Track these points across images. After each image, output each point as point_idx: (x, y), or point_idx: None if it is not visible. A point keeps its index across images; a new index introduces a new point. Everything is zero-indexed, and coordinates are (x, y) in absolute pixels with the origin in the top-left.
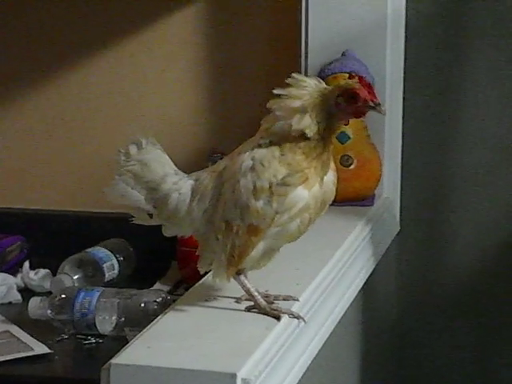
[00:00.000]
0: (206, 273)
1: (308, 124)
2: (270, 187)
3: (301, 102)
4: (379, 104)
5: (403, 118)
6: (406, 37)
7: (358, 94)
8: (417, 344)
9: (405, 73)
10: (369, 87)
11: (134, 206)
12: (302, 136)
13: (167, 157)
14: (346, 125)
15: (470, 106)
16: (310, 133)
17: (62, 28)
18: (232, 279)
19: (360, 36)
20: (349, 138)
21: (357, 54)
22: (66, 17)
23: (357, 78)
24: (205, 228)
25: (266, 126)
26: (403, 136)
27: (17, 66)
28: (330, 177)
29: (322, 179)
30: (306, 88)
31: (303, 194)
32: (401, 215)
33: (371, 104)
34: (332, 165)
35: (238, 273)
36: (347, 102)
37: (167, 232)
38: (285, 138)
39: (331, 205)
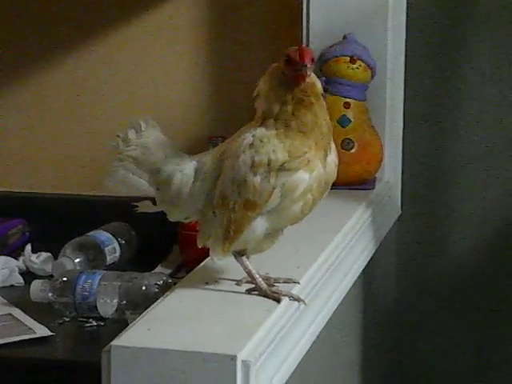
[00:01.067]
0: (207, 256)
1: (266, 106)
2: (269, 163)
3: (257, 87)
4: (305, 65)
5: (404, 101)
6: (407, 20)
7: (289, 55)
8: (416, 327)
9: (406, 56)
10: (303, 51)
11: (136, 192)
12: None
13: (167, 138)
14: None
15: (472, 90)
16: (274, 112)
17: (65, 12)
18: (235, 260)
19: (361, 19)
20: (350, 121)
21: (358, 37)
22: (66, 1)
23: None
24: (205, 205)
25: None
26: (404, 119)
27: (17, 49)
28: (332, 157)
29: (324, 160)
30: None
31: (305, 177)
32: (402, 199)
33: (298, 65)
34: (333, 145)
35: (241, 254)
36: (287, 68)
37: (172, 217)
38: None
39: (332, 188)
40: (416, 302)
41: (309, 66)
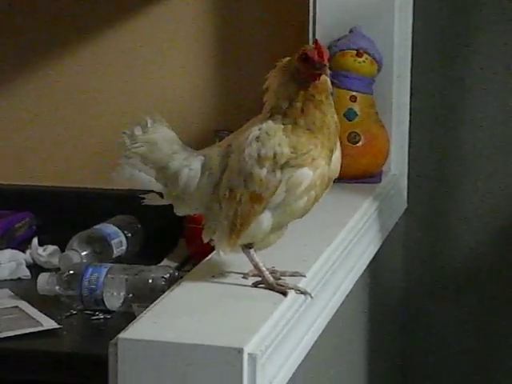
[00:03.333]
0: (214, 248)
1: (275, 100)
2: (275, 156)
3: (267, 81)
4: (325, 65)
5: (411, 95)
6: (413, 13)
7: (307, 54)
8: (423, 320)
9: (413, 50)
10: (320, 49)
11: (143, 187)
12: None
13: (174, 134)
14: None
15: (478, 83)
16: (283, 107)
17: (69, 7)
18: (241, 253)
19: (368, 13)
20: (356, 115)
21: (364, 30)
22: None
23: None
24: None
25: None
26: (411, 113)
27: (22, 44)
28: (336, 154)
29: (329, 158)
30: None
31: (309, 174)
32: (408, 192)
33: (317, 65)
34: (337, 142)
35: (249, 247)
36: (303, 65)
37: (179, 211)
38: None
39: (338, 181)
40: (422, 295)
41: (326, 63)
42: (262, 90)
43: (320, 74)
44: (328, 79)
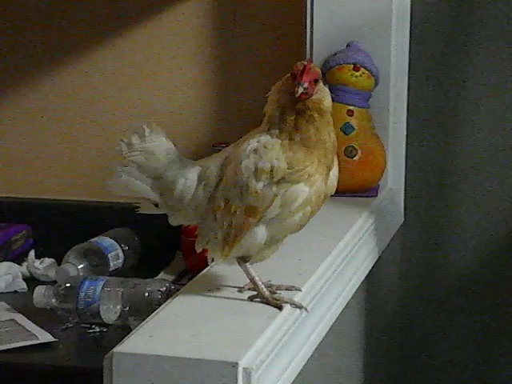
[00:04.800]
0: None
1: (270, 111)
2: (272, 170)
3: (268, 93)
4: (299, 83)
5: (408, 109)
6: (410, 28)
7: (292, 69)
8: (420, 334)
9: (409, 64)
10: (304, 70)
11: (139, 196)
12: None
13: (171, 143)
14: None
15: (475, 98)
16: (276, 118)
17: (71, 16)
18: (236, 267)
19: (365, 27)
20: (353, 128)
21: (362, 45)
22: (72, 6)
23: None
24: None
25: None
26: (408, 127)
27: (21, 53)
28: (334, 171)
29: (326, 175)
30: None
31: (304, 190)
32: (405, 206)
33: (295, 82)
34: (335, 159)
35: (245, 261)
36: (290, 81)
37: (173, 221)
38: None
39: (335, 195)
40: (419, 310)
41: (305, 85)
42: (259, 105)
43: (297, 92)
44: (325, 97)
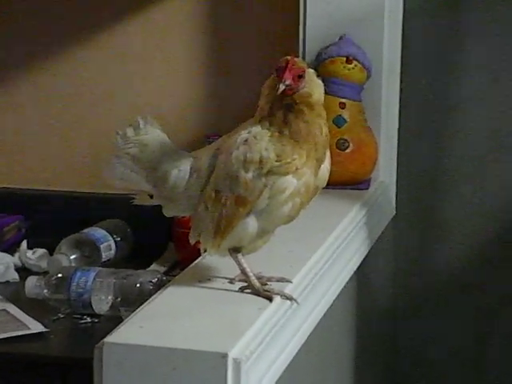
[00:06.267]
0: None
1: (261, 101)
2: (261, 160)
3: (262, 86)
4: (281, 81)
5: (400, 101)
6: (403, 21)
7: (276, 64)
8: (411, 327)
9: (402, 57)
10: (286, 66)
11: (134, 188)
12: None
13: (165, 136)
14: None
15: (467, 91)
16: (265, 110)
17: (65, 11)
18: (228, 258)
19: (357, 20)
20: (345, 121)
21: (354, 38)
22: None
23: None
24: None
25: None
26: (400, 120)
27: (18, 45)
28: (325, 164)
29: (316, 169)
30: None
31: (292, 181)
32: (396, 199)
33: (278, 79)
34: (327, 152)
35: (236, 251)
36: (277, 77)
37: (167, 212)
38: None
39: (326, 188)
40: (410, 302)
41: (288, 82)
42: (252, 97)
43: (279, 88)
44: (314, 90)
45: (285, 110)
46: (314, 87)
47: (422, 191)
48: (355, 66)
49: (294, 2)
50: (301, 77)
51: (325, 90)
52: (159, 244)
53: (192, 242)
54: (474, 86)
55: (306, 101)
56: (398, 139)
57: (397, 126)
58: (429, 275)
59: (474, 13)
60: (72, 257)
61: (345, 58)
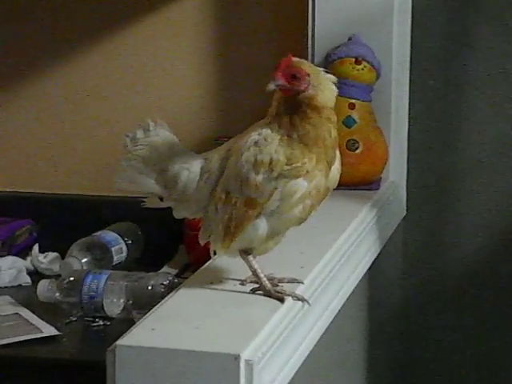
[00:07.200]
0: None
1: (272, 104)
2: (271, 162)
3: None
4: (273, 79)
5: (409, 102)
6: (412, 21)
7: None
8: (422, 327)
9: (411, 57)
10: (280, 63)
11: (144, 191)
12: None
13: (175, 137)
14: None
15: (477, 90)
16: (273, 111)
17: (70, 12)
18: (238, 260)
19: (367, 21)
20: (355, 122)
21: (363, 38)
22: (73, 3)
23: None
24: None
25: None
26: (409, 120)
27: (25, 48)
28: (336, 165)
29: (326, 171)
30: None
31: (303, 184)
32: (407, 199)
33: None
34: (337, 153)
35: (247, 253)
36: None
37: (178, 214)
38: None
39: (337, 189)
40: (421, 303)
41: (279, 82)
42: (261, 99)
43: (268, 87)
44: (320, 93)
45: (290, 113)
46: (320, 90)
47: (433, 191)
48: (364, 66)
49: (302, 3)
50: (295, 77)
51: None
52: (170, 246)
53: (202, 243)
54: (485, 84)
55: (309, 103)
56: (408, 139)
57: (407, 126)
58: (440, 275)
59: (484, 13)
60: (83, 260)
61: (354, 59)
